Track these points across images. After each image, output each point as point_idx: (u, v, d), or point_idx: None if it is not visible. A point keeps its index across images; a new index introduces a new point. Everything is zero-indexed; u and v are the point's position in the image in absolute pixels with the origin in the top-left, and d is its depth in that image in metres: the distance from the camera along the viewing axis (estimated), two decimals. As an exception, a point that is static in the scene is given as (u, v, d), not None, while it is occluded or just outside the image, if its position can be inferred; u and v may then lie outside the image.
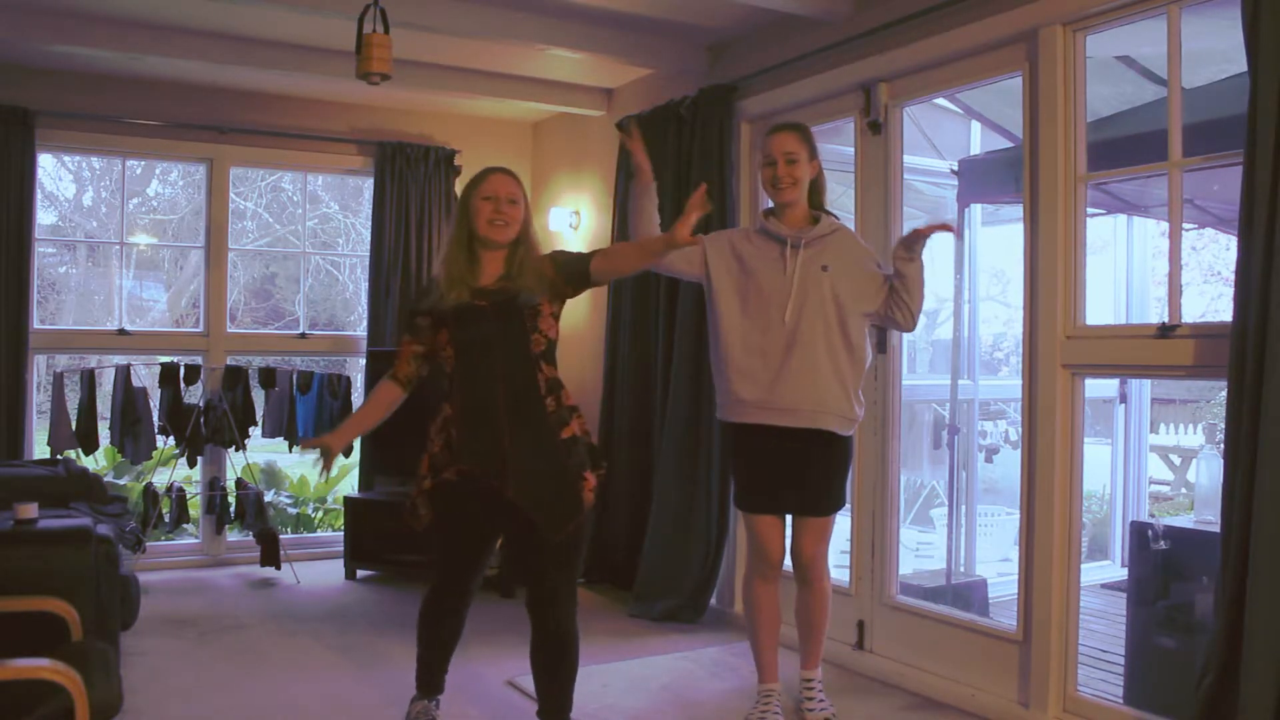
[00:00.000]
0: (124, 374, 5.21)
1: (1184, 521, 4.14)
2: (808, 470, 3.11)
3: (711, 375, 3.26)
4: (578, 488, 2.77)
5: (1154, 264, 5.40)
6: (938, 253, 5.84)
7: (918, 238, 3.00)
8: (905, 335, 3.90)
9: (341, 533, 5.50)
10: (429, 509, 2.87)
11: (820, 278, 3.06)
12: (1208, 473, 3.85)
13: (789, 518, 3.26)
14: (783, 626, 3.35)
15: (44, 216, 7.82)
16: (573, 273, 2.84)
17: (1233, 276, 2.68)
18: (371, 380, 5.54)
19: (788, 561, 3.26)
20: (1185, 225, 4.34)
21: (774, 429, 3.08)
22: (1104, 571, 5.16)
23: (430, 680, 3.07)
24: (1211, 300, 8.16)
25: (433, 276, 2.91)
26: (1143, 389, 5.28)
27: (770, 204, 3.23)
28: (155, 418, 5.28)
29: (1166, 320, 2.99)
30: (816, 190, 3.17)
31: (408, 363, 2.94)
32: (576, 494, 2.76)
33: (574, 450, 2.79)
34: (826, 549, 3.23)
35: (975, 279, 5.28)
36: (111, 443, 5.36)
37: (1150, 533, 3.35)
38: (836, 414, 3.07)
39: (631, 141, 3.12)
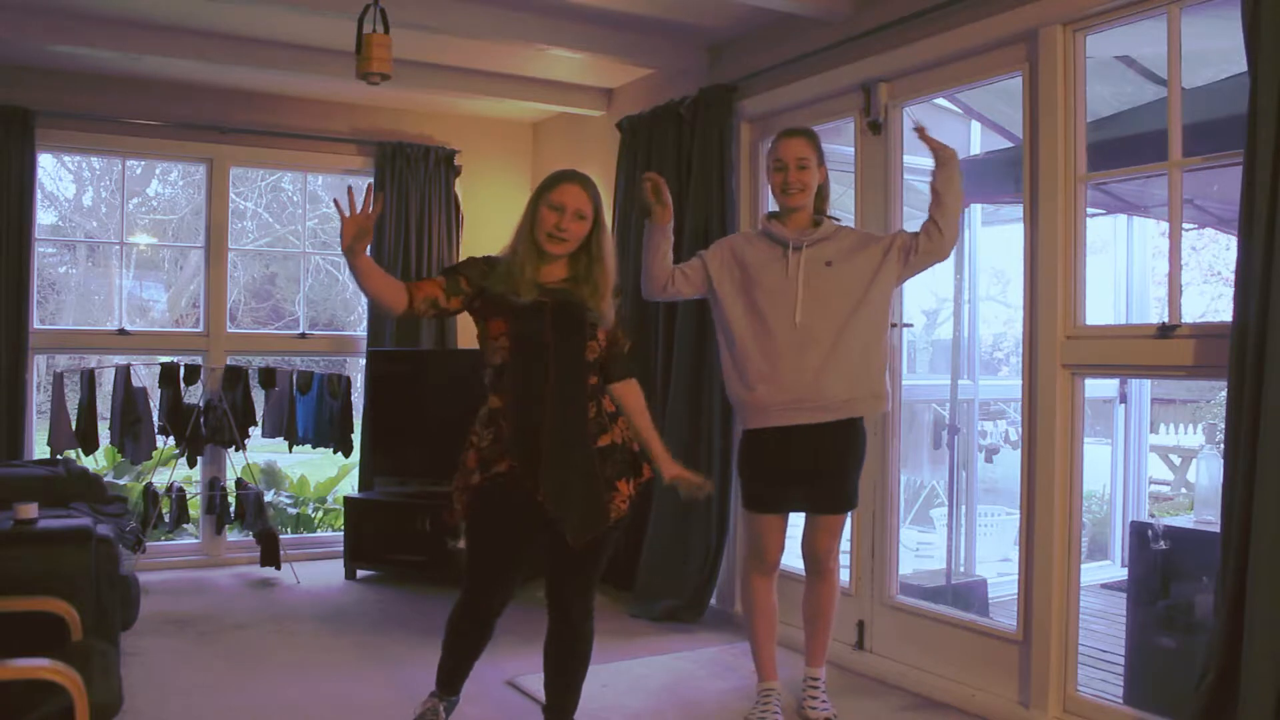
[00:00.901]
0: (124, 374, 5.21)
1: (1184, 521, 4.13)
2: (821, 468, 3.12)
3: (724, 379, 3.26)
4: (606, 498, 2.73)
5: (1154, 264, 5.40)
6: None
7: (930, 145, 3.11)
8: (906, 336, 3.90)
9: (341, 533, 5.50)
10: (464, 504, 2.78)
11: (825, 274, 3.07)
12: (1208, 473, 3.85)
13: (793, 518, 3.27)
14: (785, 626, 3.35)
15: (44, 216, 7.83)
16: (608, 353, 2.83)
17: (1233, 276, 2.68)
18: (371, 380, 5.55)
19: (785, 560, 3.27)
20: (1185, 225, 4.34)
21: (792, 428, 3.09)
22: (1104, 571, 5.16)
23: (449, 683, 3.04)
24: (1211, 300, 8.15)
25: (503, 259, 2.78)
26: (1143, 389, 5.28)
27: (773, 206, 3.24)
28: (155, 418, 5.28)
29: (1166, 320, 2.99)
30: (820, 195, 3.20)
31: (423, 300, 2.73)
32: (604, 504, 2.72)
33: (610, 458, 2.76)
34: (839, 543, 3.29)
35: (975, 279, 5.28)
36: (111, 443, 5.36)
37: (1150, 533, 3.35)
38: (866, 396, 3.10)
39: (659, 189, 3.11)
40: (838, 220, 3.22)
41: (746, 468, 3.22)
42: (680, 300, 3.32)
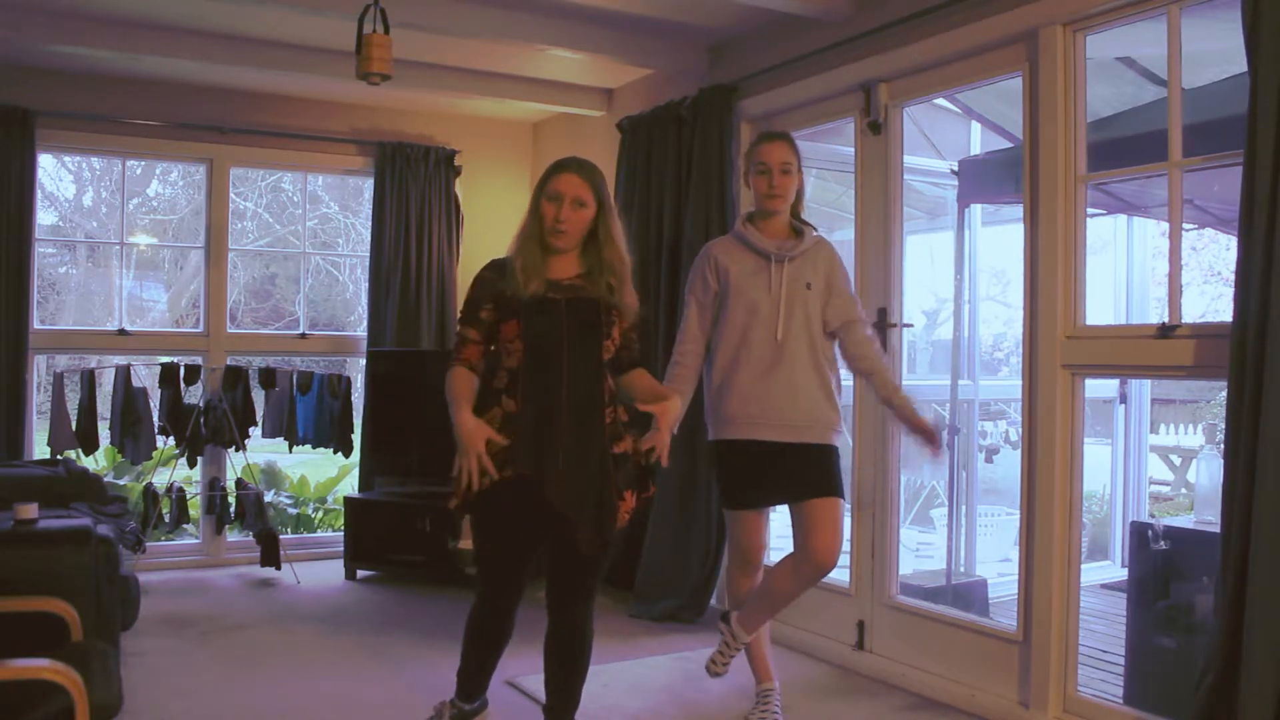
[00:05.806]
0: (124, 374, 5.21)
1: (1184, 521, 4.14)
2: (796, 468, 3.07)
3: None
4: (615, 506, 2.68)
5: (1154, 264, 5.41)
6: (938, 252, 5.85)
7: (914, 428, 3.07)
8: (906, 336, 3.90)
9: (341, 533, 5.50)
10: (468, 498, 2.63)
11: (805, 295, 3.06)
12: (1208, 473, 3.85)
13: (789, 521, 3.26)
14: (781, 625, 3.33)
15: (44, 216, 7.82)
16: (618, 356, 2.74)
17: (1233, 276, 2.68)
18: (372, 380, 5.55)
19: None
20: (1185, 225, 4.35)
21: (764, 443, 3.06)
22: (1104, 571, 5.16)
23: (467, 687, 2.99)
24: (1211, 300, 8.16)
25: (509, 260, 2.72)
26: (1143, 389, 5.28)
27: (751, 206, 3.22)
28: (155, 418, 5.28)
29: (1166, 320, 2.99)
30: (797, 199, 3.18)
31: (477, 356, 2.71)
32: (616, 510, 2.68)
33: (623, 466, 2.71)
34: (840, 543, 3.08)
35: (975, 279, 5.28)
36: (111, 443, 5.36)
37: (1150, 533, 3.35)
38: (824, 425, 3.07)
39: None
40: (814, 229, 3.18)
41: (722, 472, 3.19)
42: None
